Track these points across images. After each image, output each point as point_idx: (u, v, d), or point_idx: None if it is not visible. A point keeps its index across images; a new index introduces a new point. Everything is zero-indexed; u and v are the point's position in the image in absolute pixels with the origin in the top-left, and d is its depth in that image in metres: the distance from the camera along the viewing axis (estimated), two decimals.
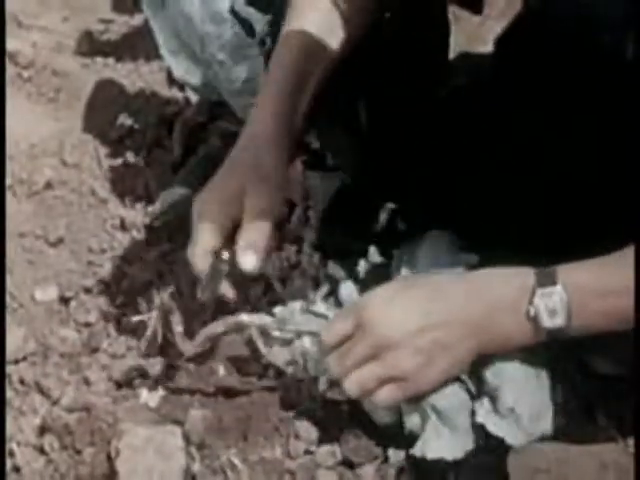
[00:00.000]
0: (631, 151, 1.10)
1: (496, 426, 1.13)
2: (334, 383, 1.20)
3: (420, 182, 1.40)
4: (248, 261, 1.14)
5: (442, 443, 1.14)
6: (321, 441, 1.24)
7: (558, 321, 1.04)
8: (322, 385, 1.23)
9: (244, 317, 1.22)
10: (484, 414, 1.14)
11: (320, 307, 1.24)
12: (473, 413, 1.15)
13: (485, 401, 1.15)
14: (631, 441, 1.17)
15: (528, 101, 1.30)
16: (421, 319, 1.07)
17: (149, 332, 1.30)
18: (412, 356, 1.08)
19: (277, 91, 1.24)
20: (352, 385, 1.11)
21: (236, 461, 1.23)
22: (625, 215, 1.05)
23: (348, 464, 1.22)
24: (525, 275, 1.06)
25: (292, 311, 1.23)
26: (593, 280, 1.04)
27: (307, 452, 1.23)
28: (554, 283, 1.04)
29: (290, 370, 1.23)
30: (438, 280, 1.12)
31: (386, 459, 1.22)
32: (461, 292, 1.08)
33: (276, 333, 1.21)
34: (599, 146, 1.21)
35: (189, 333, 1.28)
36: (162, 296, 1.29)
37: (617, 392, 1.20)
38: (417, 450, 1.15)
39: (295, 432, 1.24)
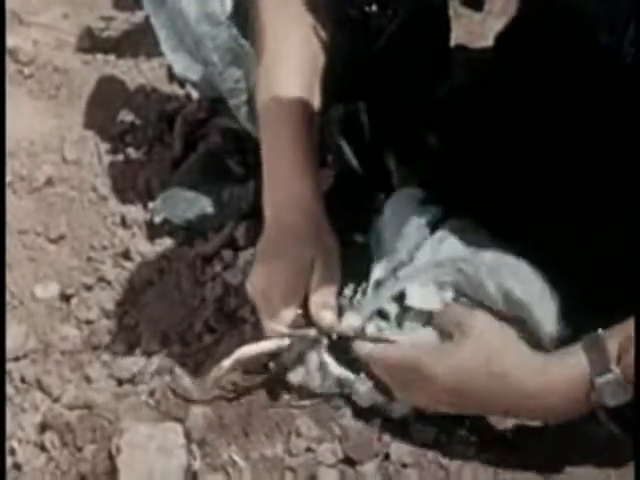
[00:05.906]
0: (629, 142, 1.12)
1: None
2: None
3: (422, 179, 1.40)
4: (328, 318, 1.21)
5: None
6: (322, 438, 1.24)
7: (622, 398, 1.07)
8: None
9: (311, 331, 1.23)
10: None
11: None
12: None
13: None
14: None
15: (528, 97, 1.30)
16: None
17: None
18: None
19: (303, 164, 1.28)
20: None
21: (237, 458, 1.23)
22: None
23: (349, 462, 1.22)
24: (578, 362, 1.07)
25: None
26: None
27: (308, 449, 1.23)
28: (609, 370, 1.05)
29: (321, 390, 1.25)
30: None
31: (387, 456, 1.22)
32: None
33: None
34: (598, 141, 1.21)
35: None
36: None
37: None
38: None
39: (296, 429, 1.24)
